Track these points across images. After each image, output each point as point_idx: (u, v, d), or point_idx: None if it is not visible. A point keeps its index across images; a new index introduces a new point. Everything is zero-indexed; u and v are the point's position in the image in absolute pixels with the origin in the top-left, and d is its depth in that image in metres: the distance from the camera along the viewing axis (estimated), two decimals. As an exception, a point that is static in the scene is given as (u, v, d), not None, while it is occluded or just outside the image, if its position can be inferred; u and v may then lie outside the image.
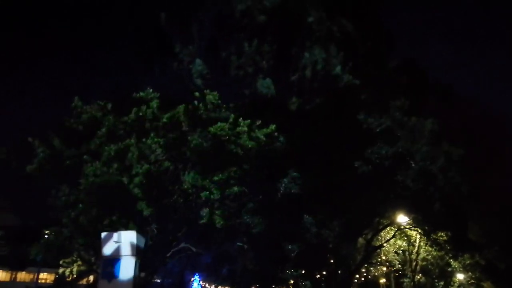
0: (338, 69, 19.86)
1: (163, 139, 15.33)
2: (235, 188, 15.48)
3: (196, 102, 16.62)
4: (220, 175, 15.23)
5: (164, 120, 15.66)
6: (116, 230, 12.50)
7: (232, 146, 15.75)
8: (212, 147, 15.63)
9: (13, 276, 62.63)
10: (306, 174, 19.84)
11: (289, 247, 23.57)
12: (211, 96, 16.64)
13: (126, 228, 13.84)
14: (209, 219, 15.00)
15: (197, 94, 16.89)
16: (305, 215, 21.58)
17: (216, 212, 15.06)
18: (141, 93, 16.30)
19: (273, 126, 16.32)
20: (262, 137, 16.03)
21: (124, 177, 14.54)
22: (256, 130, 16.28)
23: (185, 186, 15.44)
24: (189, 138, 15.55)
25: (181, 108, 15.86)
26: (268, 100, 19.87)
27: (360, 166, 20.24)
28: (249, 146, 15.79)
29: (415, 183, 20.58)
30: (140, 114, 15.72)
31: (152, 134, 15.34)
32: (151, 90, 16.40)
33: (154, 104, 15.88)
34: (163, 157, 15.20)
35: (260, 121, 16.52)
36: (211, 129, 15.64)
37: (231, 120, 16.10)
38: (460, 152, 19.99)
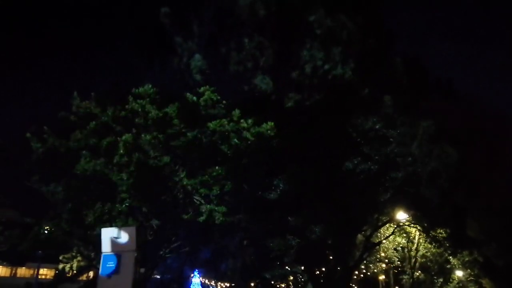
0: (339, 68, 19.78)
1: (162, 135, 15.34)
2: (228, 185, 15.46)
3: (195, 98, 16.58)
4: (220, 171, 15.24)
5: (160, 114, 15.62)
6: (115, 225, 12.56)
7: (224, 146, 15.70)
8: (211, 142, 15.65)
9: (13, 271, 62.83)
10: (305, 170, 19.82)
11: (289, 243, 23.61)
12: (209, 92, 16.61)
13: (126, 223, 13.88)
14: (208, 216, 15.03)
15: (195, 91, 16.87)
16: (289, 218, 21.55)
17: (216, 208, 15.08)
18: (140, 89, 16.30)
19: (271, 124, 16.18)
20: (250, 135, 15.84)
21: (124, 173, 14.58)
22: (256, 127, 16.22)
23: (184, 182, 15.46)
24: (188, 134, 15.56)
25: (173, 107, 15.79)
26: (267, 96, 19.83)
27: (359, 163, 20.22)
28: (245, 143, 15.72)
29: (405, 185, 20.68)
30: (139, 109, 15.71)
31: (153, 130, 15.36)
32: (150, 86, 16.39)
33: (147, 99, 15.85)
34: (161, 153, 15.22)
35: (251, 120, 16.32)
36: (210, 124, 15.63)
37: (234, 117, 16.09)
38: (455, 155, 19.88)
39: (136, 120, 15.66)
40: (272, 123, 16.11)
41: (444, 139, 20.45)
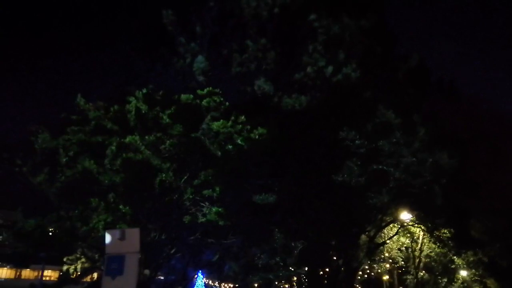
0: (343, 70, 19.76)
1: (165, 136, 15.39)
2: (217, 189, 15.42)
3: (198, 100, 16.60)
4: (210, 173, 15.27)
5: (161, 117, 15.63)
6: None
7: (218, 151, 15.65)
8: (211, 144, 15.67)
9: (18, 273, 63.10)
10: (307, 171, 19.82)
11: (292, 244, 23.59)
12: (210, 94, 16.63)
13: (129, 225, 13.92)
14: (211, 218, 15.05)
15: (199, 91, 16.89)
16: (290, 219, 21.50)
17: (220, 210, 15.10)
18: (144, 90, 16.34)
19: (262, 130, 16.08)
20: (242, 140, 15.79)
21: (124, 174, 14.64)
22: (255, 130, 16.16)
23: (188, 191, 15.51)
24: (192, 135, 15.59)
25: (171, 110, 15.79)
26: (270, 98, 19.83)
27: (361, 164, 20.18)
28: (238, 147, 15.70)
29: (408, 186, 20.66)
30: (140, 111, 15.75)
31: (155, 131, 15.40)
32: (152, 87, 16.45)
33: (141, 102, 15.88)
34: (163, 153, 15.27)
35: (243, 123, 16.22)
36: (214, 126, 15.65)
37: (233, 118, 16.10)
38: (457, 157, 19.74)
39: (134, 122, 15.73)
40: (263, 130, 16.01)
41: (445, 140, 20.39)
